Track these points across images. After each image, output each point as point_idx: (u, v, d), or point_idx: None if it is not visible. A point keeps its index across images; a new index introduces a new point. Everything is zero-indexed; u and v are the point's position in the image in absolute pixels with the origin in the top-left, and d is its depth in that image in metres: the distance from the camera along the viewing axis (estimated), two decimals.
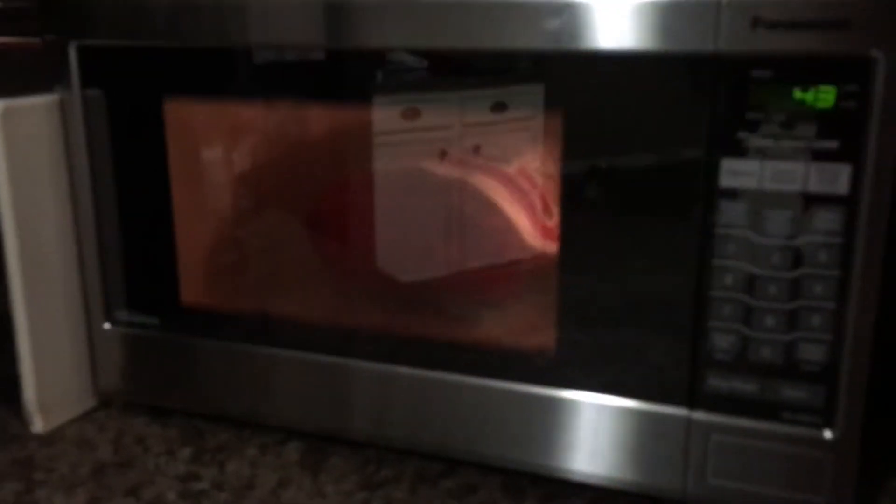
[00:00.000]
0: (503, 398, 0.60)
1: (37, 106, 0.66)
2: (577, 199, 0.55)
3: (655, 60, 0.51)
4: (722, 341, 0.53)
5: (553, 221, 0.56)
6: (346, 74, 0.60)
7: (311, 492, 0.61)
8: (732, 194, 0.51)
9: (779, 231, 0.51)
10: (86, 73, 0.66)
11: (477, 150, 0.58)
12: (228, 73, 0.63)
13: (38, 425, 0.68)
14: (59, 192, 0.68)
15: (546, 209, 0.57)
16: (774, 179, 0.50)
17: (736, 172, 0.51)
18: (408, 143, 0.60)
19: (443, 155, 0.59)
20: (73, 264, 0.69)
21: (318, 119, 0.61)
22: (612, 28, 0.51)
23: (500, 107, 0.56)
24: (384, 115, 0.59)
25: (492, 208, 0.59)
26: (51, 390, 0.69)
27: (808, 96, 0.49)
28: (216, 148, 0.66)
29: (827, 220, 0.50)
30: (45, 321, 0.68)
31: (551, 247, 0.56)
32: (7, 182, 0.63)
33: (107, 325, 0.70)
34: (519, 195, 0.58)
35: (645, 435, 0.56)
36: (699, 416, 0.55)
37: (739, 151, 0.50)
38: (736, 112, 0.50)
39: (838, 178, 0.49)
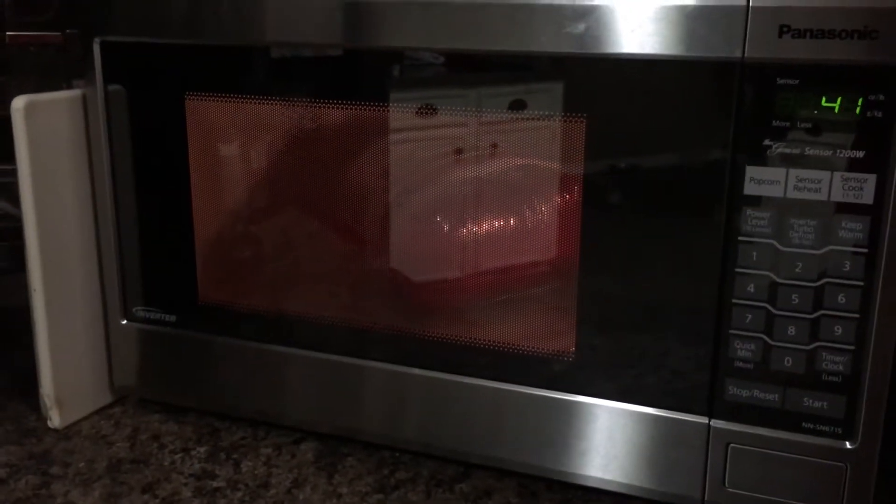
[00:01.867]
0: (520, 402, 0.60)
1: (59, 101, 0.66)
2: (598, 202, 0.55)
3: (681, 66, 0.50)
4: (743, 350, 0.53)
5: (574, 224, 0.56)
6: (363, 72, 0.60)
7: (326, 492, 0.61)
8: (757, 202, 0.51)
9: (802, 240, 0.50)
10: (108, 68, 0.66)
11: (500, 149, 0.58)
12: (248, 70, 0.63)
13: (54, 420, 0.69)
14: (79, 187, 0.68)
15: (566, 211, 0.57)
16: (799, 188, 0.50)
17: (760, 180, 0.50)
18: (427, 141, 0.60)
19: (464, 154, 0.59)
20: (92, 260, 0.70)
21: (337, 117, 0.61)
22: (639, 33, 0.51)
23: (518, 105, 0.56)
24: (400, 113, 0.59)
25: (510, 209, 0.59)
26: (68, 385, 0.69)
27: (835, 105, 0.48)
28: (235, 145, 0.66)
29: (851, 230, 0.49)
30: (63, 316, 0.68)
31: (572, 250, 0.56)
32: (29, 176, 0.64)
33: (124, 322, 0.70)
34: (541, 197, 0.58)
35: (663, 442, 0.56)
36: (718, 424, 0.55)
37: (764, 159, 0.50)
38: (761, 119, 0.50)
39: (863, 188, 0.49)
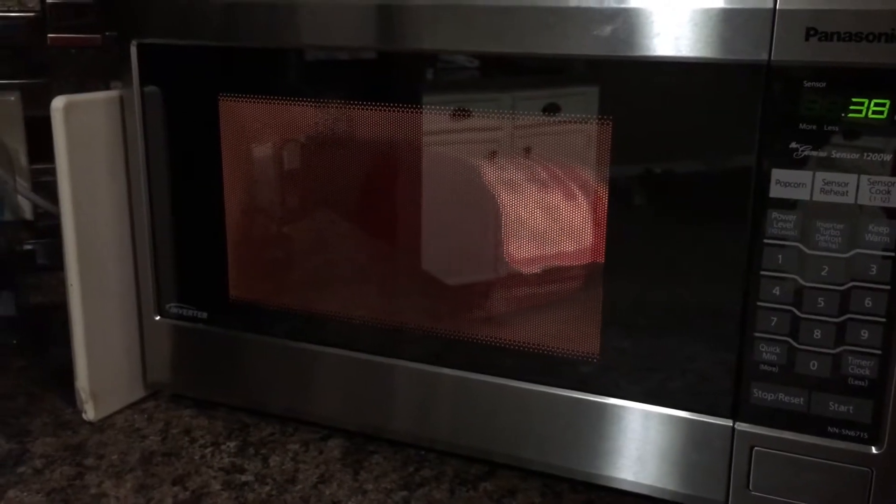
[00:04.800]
0: (546, 403, 0.60)
1: (97, 101, 0.68)
2: (624, 204, 0.55)
3: (707, 69, 0.51)
4: (768, 353, 0.53)
5: (600, 226, 0.56)
6: (397, 75, 0.61)
7: (351, 488, 0.62)
8: (783, 205, 0.51)
9: (829, 243, 0.50)
10: (145, 70, 0.67)
11: (528, 151, 0.58)
12: (281, 72, 0.64)
13: (89, 413, 0.70)
14: (116, 186, 0.70)
15: (594, 214, 0.57)
16: (826, 191, 0.50)
17: (787, 183, 0.50)
18: (457, 144, 0.60)
19: (492, 156, 0.59)
20: (128, 257, 0.71)
21: (368, 119, 0.62)
22: (665, 36, 0.51)
23: (551, 109, 0.56)
24: (434, 116, 0.59)
25: (540, 211, 0.59)
26: (102, 379, 0.70)
27: (862, 108, 0.48)
28: (267, 146, 0.67)
29: (878, 234, 0.49)
30: (98, 312, 0.69)
31: (598, 252, 0.57)
32: (67, 174, 0.65)
33: (157, 318, 0.72)
34: (567, 199, 0.58)
35: (688, 445, 0.56)
36: (743, 427, 0.54)
37: (791, 162, 0.50)
38: (788, 122, 0.50)
39: (891, 192, 0.48)
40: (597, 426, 0.59)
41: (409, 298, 0.65)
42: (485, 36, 0.56)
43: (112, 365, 0.71)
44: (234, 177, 0.67)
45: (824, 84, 0.48)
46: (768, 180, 0.51)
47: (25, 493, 0.61)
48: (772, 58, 0.49)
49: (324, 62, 0.63)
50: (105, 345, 0.70)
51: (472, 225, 0.61)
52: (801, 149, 0.50)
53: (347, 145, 0.63)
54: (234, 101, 0.65)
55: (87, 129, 0.67)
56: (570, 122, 0.56)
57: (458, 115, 0.59)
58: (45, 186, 0.94)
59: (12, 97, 0.94)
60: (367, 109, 0.61)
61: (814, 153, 0.49)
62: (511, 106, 0.58)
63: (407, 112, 0.60)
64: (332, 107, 0.63)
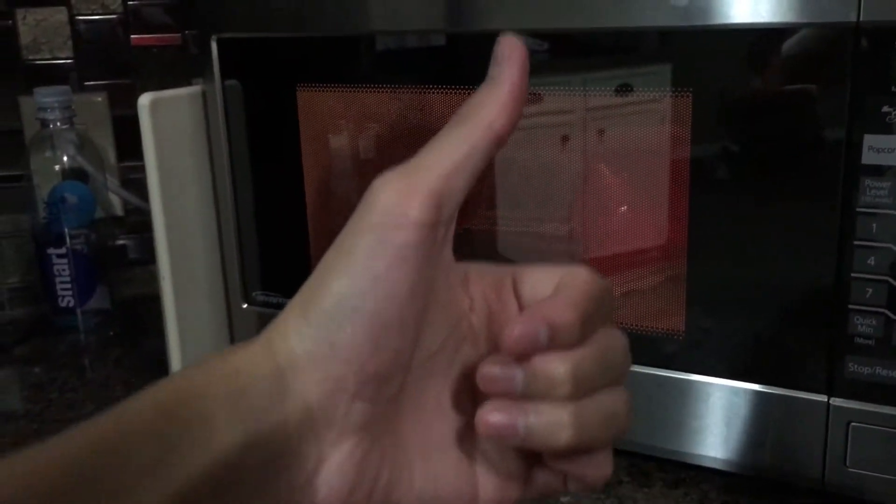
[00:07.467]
0: (632, 381, 0.59)
1: (181, 97, 0.70)
2: (707, 178, 0.54)
3: (792, 34, 0.49)
4: (864, 325, 0.51)
5: (683, 201, 0.55)
6: (467, 59, 0.61)
7: None
8: (876, 171, 0.49)
9: None
10: (225, 64, 0.69)
11: (601, 134, 0.58)
12: (355, 60, 0.65)
13: None
14: (201, 178, 0.71)
15: (676, 189, 0.56)
16: None
17: (880, 149, 0.48)
18: (530, 129, 0.60)
19: (565, 140, 0.59)
20: (215, 248, 0.73)
21: (441, 103, 0.62)
22: (745, 2, 0.50)
23: (625, 89, 0.56)
24: None
25: (619, 192, 0.59)
26: None
27: None
28: (345, 134, 0.68)
29: None
30: (189, 302, 0.71)
31: (681, 228, 0.56)
32: (155, 168, 0.67)
33: (245, 306, 0.73)
34: (647, 175, 0.57)
35: (780, 421, 0.55)
36: (838, 402, 0.53)
37: (883, 127, 0.48)
38: (879, 86, 0.48)
39: None
40: (685, 404, 0.58)
41: None
42: (558, 12, 0.55)
43: (203, 352, 0.73)
44: (314, 165, 0.68)
45: None
46: (860, 147, 0.49)
47: None
48: (861, 18, 0.47)
49: (396, 48, 0.64)
50: (196, 333, 0.72)
51: (551, 207, 0.61)
52: (893, 113, 0.48)
53: (422, 130, 0.64)
54: (312, 90, 0.66)
55: (172, 124, 0.69)
56: (649, 101, 0.55)
57: (533, 99, 0.59)
58: (134, 183, 0.97)
59: (100, 97, 0.97)
60: (439, 93, 0.61)
61: None
62: (588, 88, 0.57)
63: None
64: (406, 92, 0.63)
